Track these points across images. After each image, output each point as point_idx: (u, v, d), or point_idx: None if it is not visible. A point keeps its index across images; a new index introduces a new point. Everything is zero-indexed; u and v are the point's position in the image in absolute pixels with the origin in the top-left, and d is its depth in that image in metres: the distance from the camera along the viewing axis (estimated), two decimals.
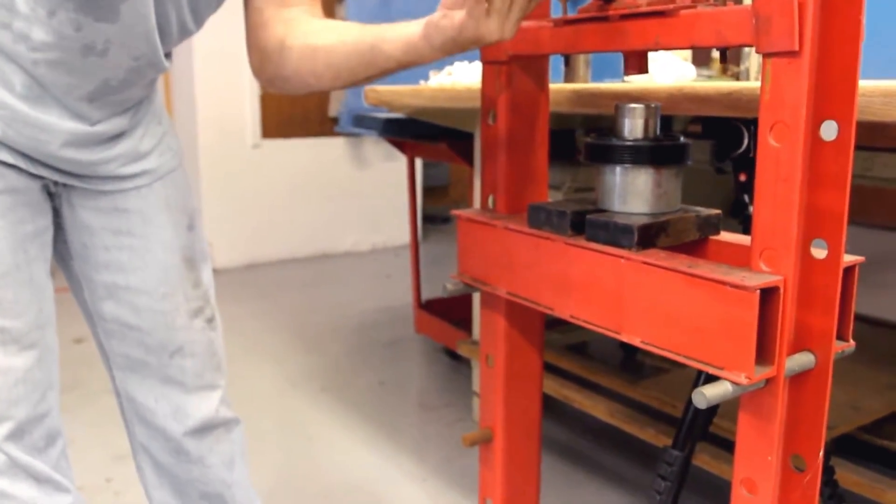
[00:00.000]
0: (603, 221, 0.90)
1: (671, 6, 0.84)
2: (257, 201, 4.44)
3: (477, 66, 1.93)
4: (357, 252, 4.79)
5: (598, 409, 1.85)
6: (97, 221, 1.10)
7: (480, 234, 1.09)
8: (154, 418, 1.18)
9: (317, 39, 1.03)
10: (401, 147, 2.82)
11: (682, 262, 0.83)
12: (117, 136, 1.06)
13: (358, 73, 1.01)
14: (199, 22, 1.05)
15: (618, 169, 0.95)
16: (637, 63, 0.95)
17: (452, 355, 2.88)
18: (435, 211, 5.45)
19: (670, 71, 1.58)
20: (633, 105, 0.94)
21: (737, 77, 1.81)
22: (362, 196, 4.75)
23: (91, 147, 1.03)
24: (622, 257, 0.87)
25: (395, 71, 0.99)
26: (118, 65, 0.98)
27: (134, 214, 1.11)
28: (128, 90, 1.03)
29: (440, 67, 2.07)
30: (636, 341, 0.86)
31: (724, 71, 1.83)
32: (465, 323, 2.52)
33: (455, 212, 1.14)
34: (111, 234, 1.10)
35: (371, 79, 1.02)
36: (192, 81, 4.17)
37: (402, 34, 0.95)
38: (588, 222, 0.92)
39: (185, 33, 1.04)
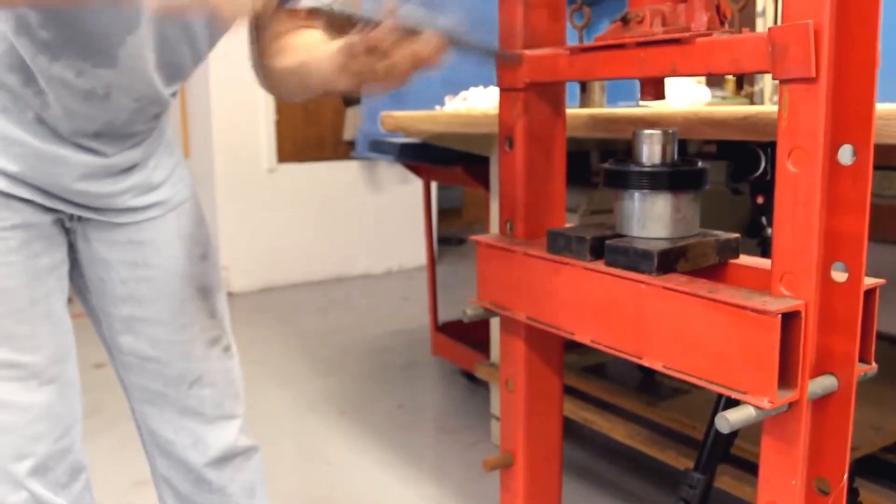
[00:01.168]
0: (622, 247, 0.91)
1: (687, 34, 0.85)
2: (273, 225, 4.47)
3: (492, 91, 1.95)
4: (372, 275, 4.80)
5: (617, 431, 1.85)
6: (113, 255, 1.11)
7: (500, 260, 1.10)
8: (174, 449, 1.19)
9: (278, 63, 1.04)
10: (416, 171, 2.84)
11: (702, 286, 0.83)
12: (130, 168, 1.08)
13: (294, 94, 1.04)
14: (204, 57, 1.07)
15: (636, 194, 0.95)
16: (654, 89, 0.96)
17: (470, 377, 2.88)
18: (449, 233, 5.47)
19: (685, 94, 1.59)
20: (650, 131, 0.95)
21: (751, 98, 1.82)
22: (377, 219, 4.78)
23: (104, 179, 1.05)
24: (642, 282, 0.87)
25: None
26: (121, 106, 1.01)
27: (147, 246, 1.12)
28: (133, 126, 1.05)
29: (455, 92, 2.09)
30: (658, 366, 0.86)
31: (738, 92, 1.84)
32: (482, 345, 2.53)
33: (474, 237, 1.15)
34: (127, 266, 1.11)
35: (313, 95, 1.01)
36: (208, 107, 4.21)
37: (326, 57, 0.91)
38: (607, 248, 0.93)
39: (196, 66, 1.07)
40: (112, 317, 1.14)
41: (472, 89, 2.00)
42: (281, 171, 4.49)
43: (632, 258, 0.89)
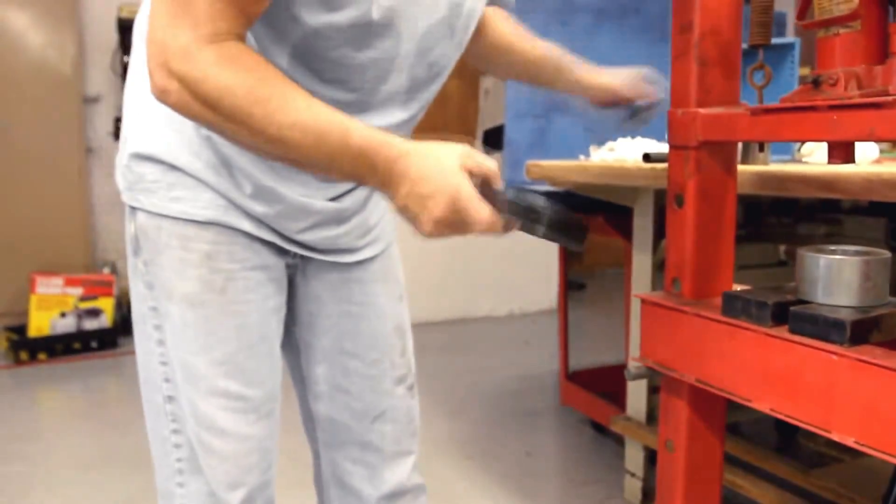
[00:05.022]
0: (810, 314, 0.88)
1: (888, 98, 0.82)
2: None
3: (640, 143, 1.94)
4: (494, 317, 4.80)
5: (766, 497, 1.77)
6: (326, 292, 1.16)
7: (666, 319, 1.08)
8: (350, 480, 1.22)
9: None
10: None
11: None
12: (355, 212, 1.13)
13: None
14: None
15: (822, 259, 0.92)
16: (843, 153, 0.93)
17: (598, 428, 2.82)
18: (570, 277, 5.41)
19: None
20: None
21: None
22: (501, 261, 4.78)
23: (336, 224, 1.11)
24: (834, 353, 0.84)
25: None
26: None
27: (356, 284, 1.17)
28: None
29: (599, 143, 2.09)
30: (849, 441, 0.83)
31: None
32: (613, 396, 2.48)
33: (638, 295, 1.14)
34: (335, 302, 1.17)
35: None
36: None
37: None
38: (792, 314, 0.90)
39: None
40: (312, 347, 1.19)
41: (619, 140, 2.00)
42: None
43: (821, 327, 0.86)
